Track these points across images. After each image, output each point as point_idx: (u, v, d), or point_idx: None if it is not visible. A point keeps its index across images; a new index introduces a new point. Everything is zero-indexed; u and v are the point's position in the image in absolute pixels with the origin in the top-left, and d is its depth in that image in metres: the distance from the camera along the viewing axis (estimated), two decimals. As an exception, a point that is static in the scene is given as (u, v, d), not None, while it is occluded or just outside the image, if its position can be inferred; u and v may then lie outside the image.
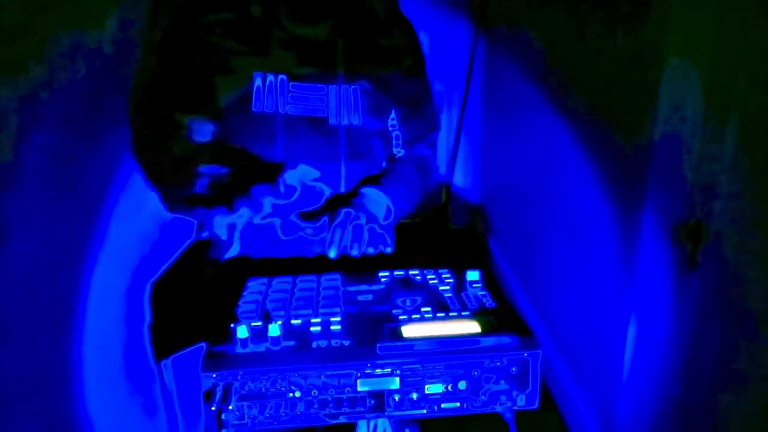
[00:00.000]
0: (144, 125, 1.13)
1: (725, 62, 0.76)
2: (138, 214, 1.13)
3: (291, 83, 1.11)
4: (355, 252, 1.02)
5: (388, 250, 1.05)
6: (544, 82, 1.20)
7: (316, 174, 1.15)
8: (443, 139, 1.67)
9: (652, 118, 0.83)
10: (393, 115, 1.25)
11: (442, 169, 1.69)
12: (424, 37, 1.42)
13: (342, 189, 1.18)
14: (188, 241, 1.20)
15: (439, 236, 1.53)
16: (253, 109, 1.10)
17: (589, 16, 1.01)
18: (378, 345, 0.80)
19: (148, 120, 1.12)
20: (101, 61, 1.00)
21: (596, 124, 1.01)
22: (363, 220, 1.07)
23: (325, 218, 1.10)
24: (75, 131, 0.91)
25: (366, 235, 1.04)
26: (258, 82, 1.10)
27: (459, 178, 1.70)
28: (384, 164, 1.27)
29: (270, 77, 1.10)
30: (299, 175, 1.14)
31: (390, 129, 1.26)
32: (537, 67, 1.24)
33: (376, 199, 1.14)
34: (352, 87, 1.15)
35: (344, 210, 1.08)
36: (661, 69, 0.81)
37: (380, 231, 1.07)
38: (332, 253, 1.03)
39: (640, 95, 0.86)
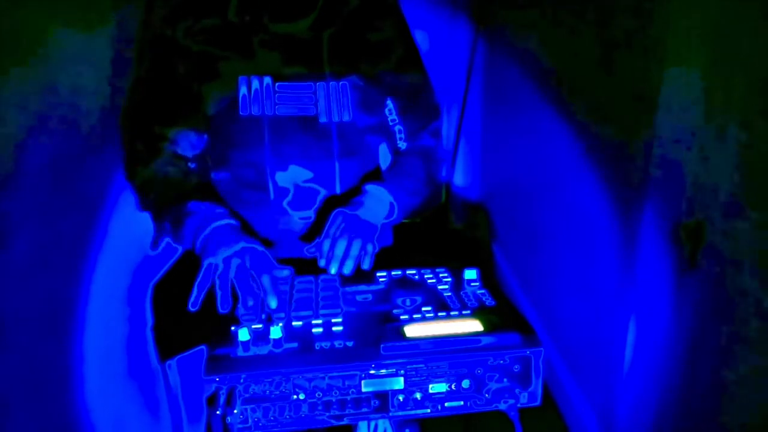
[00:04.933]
0: (133, 142, 1.12)
1: (726, 63, 0.77)
2: (139, 213, 1.12)
3: (277, 84, 1.11)
4: (347, 270, 0.99)
5: (371, 248, 1.02)
6: (544, 82, 1.20)
7: (309, 175, 1.14)
8: (443, 139, 1.67)
9: (652, 119, 0.83)
10: (391, 108, 1.23)
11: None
12: (423, 37, 1.42)
13: (337, 189, 1.16)
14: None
15: (438, 236, 1.52)
16: (241, 113, 1.10)
17: (589, 18, 1.02)
18: (382, 345, 0.79)
19: (137, 136, 1.11)
20: (102, 63, 0.99)
21: (596, 124, 1.01)
22: (356, 225, 1.03)
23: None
24: (75, 132, 0.90)
25: (354, 250, 1.01)
26: (243, 86, 1.09)
27: (459, 178, 1.70)
28: (374, 162, 1.26)
29: (255, 80, 1.10)
30: (290, 177, 1.13)
31: (390, 123, 1.24)
32: (537, 67, 1.24)
33: (379, 196, 1.12)
34: (341, 83, 1.14)
35: (334, 212, 1.05)
36: (661, 70, 0.81)
37: (376, 235, 1.05)
38: (333, 270, 0.99)
39: (640, 96, 0.86)
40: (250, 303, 0.87)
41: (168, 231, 1.06)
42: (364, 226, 1.05)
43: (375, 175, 1.20)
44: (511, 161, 1.45)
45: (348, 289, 0.99)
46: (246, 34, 1.10)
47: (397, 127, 1.25)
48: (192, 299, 0.89)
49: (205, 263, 0.92)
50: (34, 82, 0.80)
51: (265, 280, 0.90)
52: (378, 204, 1.11)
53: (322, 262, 1.00)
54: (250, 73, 1.10)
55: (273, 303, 0.89)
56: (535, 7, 1.27)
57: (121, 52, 1.08)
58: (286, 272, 0.98)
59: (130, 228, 1.10)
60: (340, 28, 1.15)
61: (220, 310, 0.88)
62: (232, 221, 1.02)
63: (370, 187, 1.13)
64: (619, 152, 0.94)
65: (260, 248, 0.96)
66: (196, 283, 0.90)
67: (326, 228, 1.03)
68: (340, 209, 1.06)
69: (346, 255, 1.00)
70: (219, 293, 0.89)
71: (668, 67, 0.81)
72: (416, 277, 1.04)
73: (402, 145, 1.27)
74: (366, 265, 1.02)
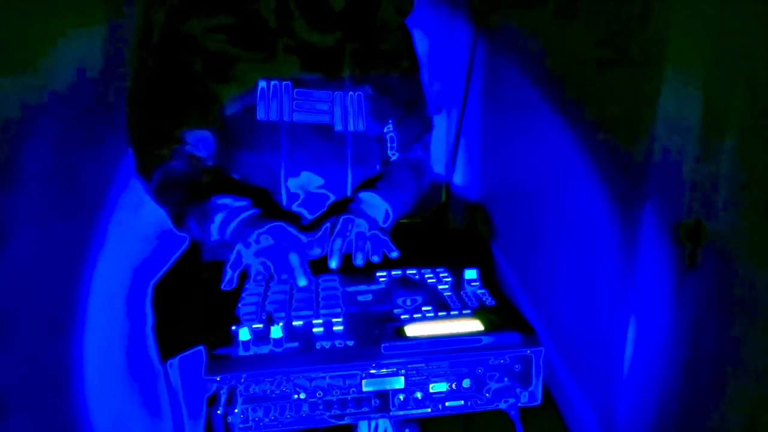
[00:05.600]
0: (143, 140, 1.11)
1: (725, 65, 0.77)
2: (139, 213, 1.12)
3: (296, 90, 1.10)
4: (359, 261, 0.99)
5: (394, 254, 1.02)
6: (544, 82, 1.21)
7: (320, 181, 1.15)
8: (443, 139, 1.68)
9: (653, 119, 0.83)
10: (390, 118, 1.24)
11: (441, 169, 1.69)
12: (423, 38, 1.42)
13: (348, 195, 1.17)
14: (188, 242, 1.19)
15: (438, 236, 1.53)
16: (258, 117, 1.09)
17: (589, 18, 1.02)
18: (382, 345, 0.79)
19: (150, 137, 1.11)
20: (100, 64, 0.99)
21: (596, 124, 1.01)
22: (364, 228, 1.04)
23: (326, 227, 1.08)
24: (75, 132, 0.90)
25: (368, 244, 1.01)
26: (263, 90, 1.09)
27: (459, 178, 1.70)
28: (378, 168, 1.27)
29: (275, 85, 1.09)
30: (302, 183, 1.13)
31: (385, 132, 1.25)
32: (537, 67, 1.24)
33: (375, 203, 1.13)
34: (357, 93, 1.15)
35: (343, 217, 1.05)
36: (661, 71, 0.82)
37: (384, 237, 1.05)
38: (333, 264, 0.98)
39: (640, 96, 0.87)
40: (284, 277, 0.90)
41: (192, 228, 1.05)
42: (371, 232, 1.06)
43: (368, 184, 1.21)
44: (511, 161, 1.45)
45: (348, 288, 0.99)
46: (271, 36, 1.09)
47: (389, 135, 1.25)
48: (225, 280, 0.91)
49: (237, 246, 0.94)
50: (33, 82, 0.80)
51: (293, 258, 0.92)
52: (374, 211, 1.12)
53: (333, 263, 0.99)
54: (269, 76, 1.09)
55: (302, 281, 0.91)
56: (534, 7, 1.27)
57: (119, 51, 1.08)
58: (318, 250, 1.00)
59: (130, 228, 1.09)
60: (362, 40, 1.16)
61: (254, 284, 0.91)
62: (258, 210, 1.03)
63: (364, 195, 1.14)
64: (619, 152, 0.94)
65: (288, 227, 0.98)
66: (229, 264, 0.92)
67: (337, 229, 1.03)
68: (347, 216, 1.06)
69: (364, 248, 1.01)
70: (252, 269, 0.92)
71: (668, 69, 0.81)
72: (416, 276, 1.04)
73: (393, 155, 1.27)
74: (393, 255, 1.03)
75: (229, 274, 0.92)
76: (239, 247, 0.94)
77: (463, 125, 1.64)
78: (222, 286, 0.92)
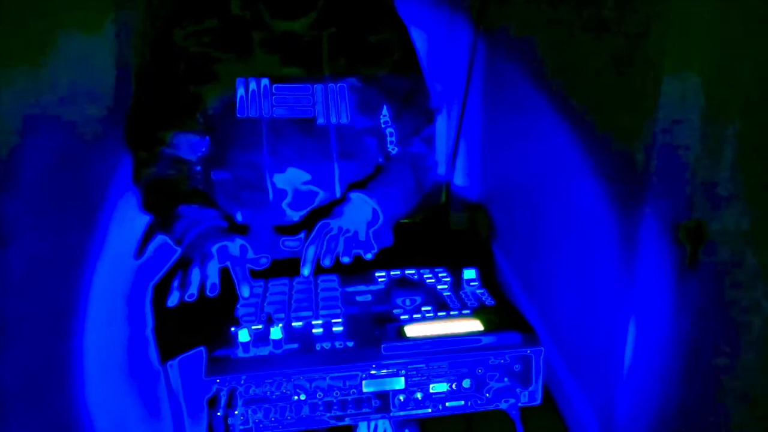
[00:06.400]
0: (135, 145, 1.12)
1: (726, 63, 0.77)
2: (139, 215, 1.12)
3: (275, 85, 1.10)
4: (327, 262, 0.96)
5: (369, 256, 0.99)
6: (544, 82, 1.21)
7: (307, 177, 1.14)
8: (443, 139, 1.67)
9: (652, 119, 0.83)
10: (385, 111, 1.23)
11: (442, 169, 1.68)
12: (423, 37, 1.42)
13: (336, 190, 1.16)
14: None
15: (438, 236, 1.52)
16: (238, 114, 1.09)
17: (589, 18, 1.02)
18: (383, 345, 0.79)
19: (137, 140, 1.11)
20: (103, 66, 0.99)
21: (596, 124, 1.01)
22: (339, 230, 1.01)
23: (304, 233, 1.07)
24: (76, 133, 0.90)
25: (341, 246, 0.98)
26: (241, 87, 1.09)
27: (459, 178, 1.70)
28: (380, 161, 1.26)
29: (253, 81, 1.10)
30: (288, 179, 1.13)
31: (383, 126, 1.24)
32: (537, 67, 1.24)
33: (360, 203, 1.11)
34: (339, 84, 1.13)
35: (320, 223, 1.02)
36: (661, 71, 0.81)
37: (361, 238, 1.03)
38: (306, 272, 0.95)
39: (640, 96, 0.86)
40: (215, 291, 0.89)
41: (165, 234, 1.06)
42: (347, 234, 1.03)
43: (359, 183, 1.19)
44: (511, 161, 1.45)
45: (348, 289, 0.99)
46: (246, 31, 1.10)
47: (388, 130, 1.24)
48: (169, 299, 0.90)
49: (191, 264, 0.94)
50: (35, 84, 0.79)
51: (238, 269, 0.91)
52: (360, 212, 1.09)
53: (306, 270, 0.96)
54: (249, 74, 1.09)
55: (245, 292, 0.89)
56: (535, 7, 1.27)
57: (122, 54, 1.08)
58: (263, 260, 0.98)
59: (130, 229, 1.10)
60: (341, 28, 1.14)
61: (178, 300, 0.89)
62: (219, 223, 1.03)
63: (353, 195, 1.12)
64: (618, 152, 0.94)
65: (240, 241, 0.97)
66: (178, 284, 0.92)
67: (311, 236, 1.01)
68: (323, 221, 1.04)
69: (333, 250, 0.98)
70: (189, 281, 0.90)
71: (668, 69, 0.81)
72: (415, 277, 1.04)
73: (393, 149, 1.26)
74: (368, 256, 1.00)
75: (173, 294, 0.91)
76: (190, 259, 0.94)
77: (463, 125, 1.64)
78: (167, 303, 0.90)
